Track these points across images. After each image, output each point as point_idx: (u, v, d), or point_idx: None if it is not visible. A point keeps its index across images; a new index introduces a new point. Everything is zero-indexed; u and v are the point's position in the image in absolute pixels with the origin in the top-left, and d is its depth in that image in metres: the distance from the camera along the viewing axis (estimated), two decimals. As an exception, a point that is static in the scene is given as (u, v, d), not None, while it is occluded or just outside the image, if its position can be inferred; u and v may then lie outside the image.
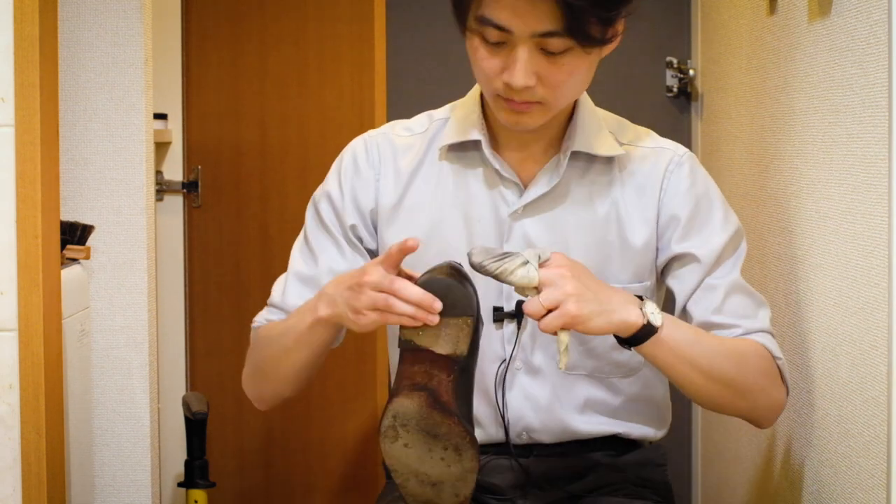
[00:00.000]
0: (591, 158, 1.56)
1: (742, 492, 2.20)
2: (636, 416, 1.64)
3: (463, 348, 1.37)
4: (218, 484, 2.46)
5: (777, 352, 1.56)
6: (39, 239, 1.41)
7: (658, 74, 2.65)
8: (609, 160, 1.57)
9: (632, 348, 1.44)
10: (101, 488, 2.06)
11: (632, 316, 1.40)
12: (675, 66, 2.62)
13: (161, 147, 2.73)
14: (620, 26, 1.44)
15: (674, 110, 2.66)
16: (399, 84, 2.76)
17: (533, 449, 1.62)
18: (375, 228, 1.61)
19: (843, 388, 1.58)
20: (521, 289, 1.37)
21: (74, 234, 1.94)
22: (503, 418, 1.59)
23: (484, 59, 1.43)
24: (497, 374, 1.57)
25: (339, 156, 1.64)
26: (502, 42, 1.41)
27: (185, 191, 2.81)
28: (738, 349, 1.52)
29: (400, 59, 2.75)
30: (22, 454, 1.42)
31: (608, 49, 1.49)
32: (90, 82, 2.01)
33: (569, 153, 1.54)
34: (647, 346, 1.43)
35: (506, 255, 1.36)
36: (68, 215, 1.98)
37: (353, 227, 1.60)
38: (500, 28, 1.39)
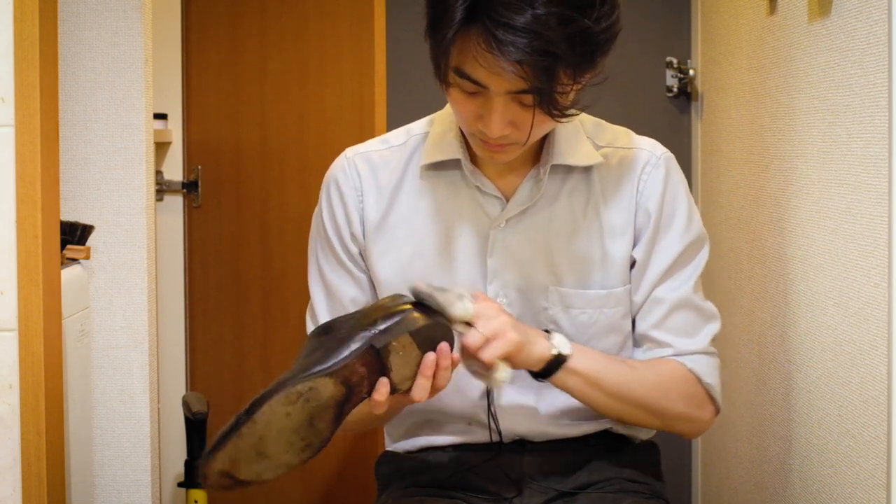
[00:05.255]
0: (570, 168, 1.57)
1: (742, 492, 2.20)
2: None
3: (398, 384, 1.40)
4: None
5: (707, 376, 1.58)
6: (39, 239, 1.41)
7: (658, 74, 2.65)
8: (590, 168, 1.58)
9: (543, 380, 1.49)
10: (101, 488, 2.06)
11: (542, 348, 1.47)
12: (675, 66, 2.62)
13: (161, 147, 2.73)
14: (581, 88, 1.45)
15: (674, 110, 2.66)
16: (399, 84, 2.76)
17: (526, 445, 1.63)
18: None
19: (843, 388, 1.58)
20: (453, 322, 1.41)
21: (74, 234, 1.94)
22: (491, 423, 1.60)
23: (460, 104, 1.45)
24: (484, 387, 1.59)
25: (324, 185, 1.65)
26: (478, 92, 1.42)
27: (185, 191, 2.81)
28: (654, 374, 1.57)
29: (400, 59, 2.76)
30: (22, 454, 1.42)
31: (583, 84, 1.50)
32: (90, 82, 2.01)
33: (549, 167, 1.56)
34: (559, 376, 1.49)
35: (443, 289, 1.40)
36: (68, 215, 1.98)
37: (359, 254, 1.64)
38: (476, 83, 1.40)
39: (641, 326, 1.60)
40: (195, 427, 2.36)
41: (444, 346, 1.41)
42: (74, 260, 1.95)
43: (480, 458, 1.62)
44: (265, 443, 1.35)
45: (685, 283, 1.60)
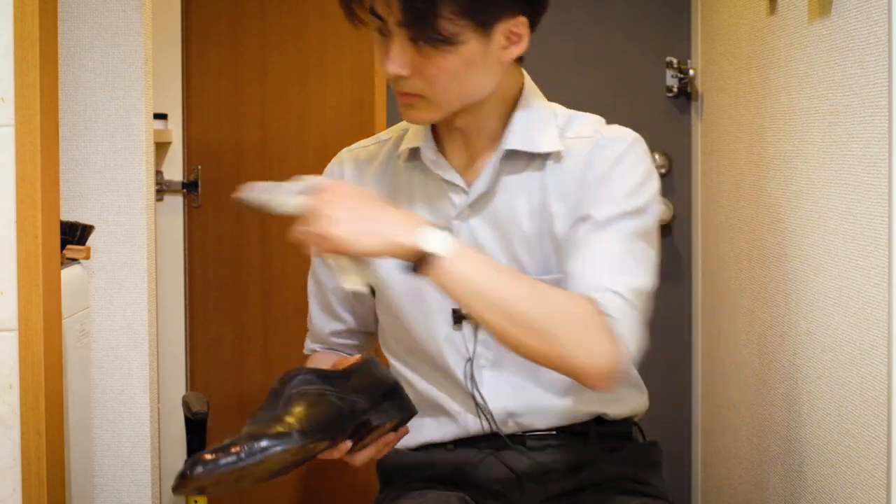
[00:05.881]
0: (531, 154, 1.58)
1: (742, 492, 2.20)
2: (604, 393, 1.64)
3: (356, 447, 1.52)
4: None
5: (613, 310, 1.46)
6: (39, 239, 1.41)
7: (658, 74, 2.65)
8: (549, 155, 1.58)
9: (416, 274, 1.41)
10: (101, 488, 2.06)
11: (403, 238, 1.38)
12: (675, 66, 2.62)
13: (161, 147, 2.73)
14: (464, 32, 1.47)
15: (674, 110, 2.66)
16: (399, 84, 2.75)
17: (525, 440, 1.64)
18: None
19: (843, 388, 1.57)
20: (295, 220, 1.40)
21: (74, 234, 1.94)
22: (478, 407, 1.62)
23: (376, 51, 1.54)
24: (465, 371, 1.61)
25: None
26: (384, 32, 1.50)
27: (185, 191, 2.81)
28: (550, 294, 1.46)
29: (400, 59, 2.75)
30: (22, 454, 1.42)
31: (506, 54, 1.53)
32: (90, 82, 2.01)
33: (502, 152, 1.57)
34: (434, 275, 1.39)
35: (277, 185, 1.40)
36: (68, 215, 1.98)
37: None
38: (378, 17, 1.49)
39: (568, 265, 1.53)
40: (195, 427, 2.36)
41: (403, 429, 1.56)
42: (74, 260, 1.95)
43: (480, 455, 1.63)
44: (248, 476, 1.41)
45: (616, 233, 1.52)
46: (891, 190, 1.38)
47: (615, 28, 2.66)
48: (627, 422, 1.71)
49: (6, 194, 1.40)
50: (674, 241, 2.67)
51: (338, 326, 1.78)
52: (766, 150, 1.99)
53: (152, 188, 2.12)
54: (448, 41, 1.46)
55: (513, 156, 1.58)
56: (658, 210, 1.59)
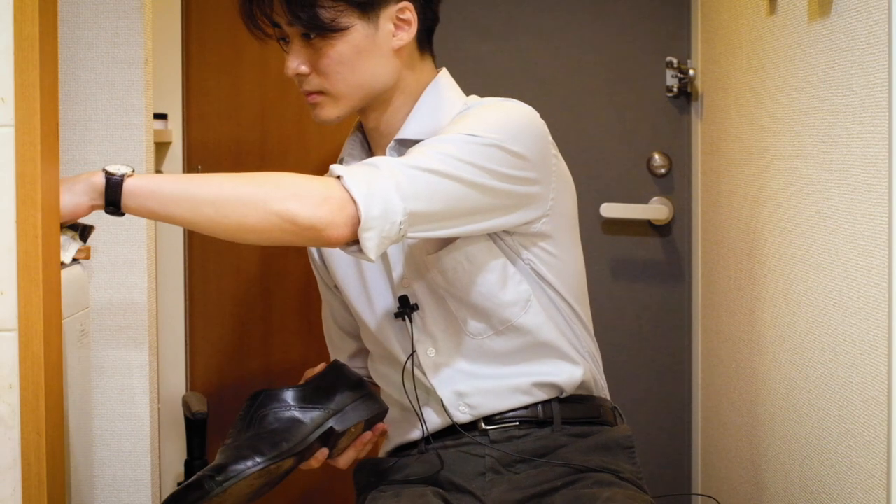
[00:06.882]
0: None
1: (742, 492, 2.20)
2: (547, 357, 1.69)
3: (334, 454, 1.63)
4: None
5: (340, 170, 1.42)
6: (39, 239, 1.41)
7: (658, 74, 2.65)
8: None
9: (120, 212, 1.42)
10: (101, 488, 2.06)
11: (91, 180, 1.41)
12: (675, 66, 2.62)
13: (161, 147, 2.73)
14: (345, 16, 1.55)
15: (674, 110, 2.65)
16: (399, 84, 2.75)
17: (489, 434, 1.66)
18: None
19: (843, 388, 1.57)
20: None
21: (74, 234, 1.94)
22: (428, 393, 1.68)
23: (285, 61, 1.61)
24: (411, 360, 1.67)
25: None
26: (285, 39, 1.60)
27: (185, 191, 2.81)
28: (252, 174, 1.44)
29: (400, 59, 2.75)
30: (22, 454, 1.42)
31: (395, 41, 1.59)
32: (90, 82, 2.01)
33: (392, 143, 1.63)
34: (127, 199, 1.40)
35: None
36: (68, 215, 1.98)
37: (321, 263, 1.83)
38: (276, 25, 1.58)
39: None
40: (195, 427, 2.36)
41: (378, 426, 1.64)
42: (75, 260, 1.95)
43: (446, 451, 1.68)
44: (219, 502, 1.48)
45: (443, 143, 1.51)
46: (891, 190, 1.38)
47: (615, 28, 2.65)
48: (595, 405, 1.72)
49: (6, 194, 1.39)
50: (674, 241, 2.67)
51: (346, 352, 1.87)
52: (766, 150, 1.99)
53: (152, 188, 2.11)
54: (332, 27, 1.53)
55: (411, 144, 1.61)
56: (527, 144, 1.56)
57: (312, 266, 1.89)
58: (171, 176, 1.49)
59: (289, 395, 1.56)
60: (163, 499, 1.42)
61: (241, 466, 1.45)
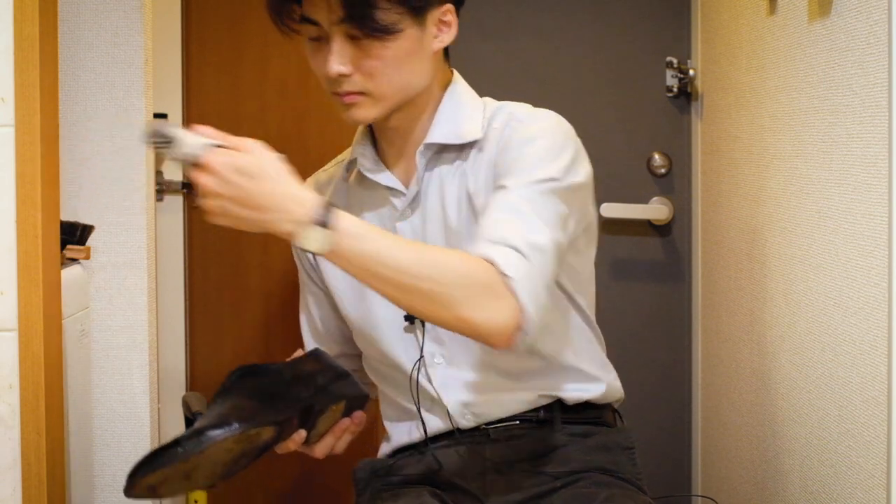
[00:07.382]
0: (460, 146, 1.61)
1: (742, 492, 2.20)
2: (563, 378, 1.67)
3: (312, 438, 1.58)
4: (217, 483, 2.45)
5: (508, 268, 1.42)
6: (39, 239, 1.41)
7: (658, 74, 2.65)
8: (472, 144, 1.61)
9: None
10: (101, 488, 2.06)
11: (283, 230, 1.41)
12: (675, 66, 2.62)
13: (161, 147, 2.73)
14: (401, 19, 1.50)
15: (674, 110, 2.65)
16: (399, 84, 2.75)
17: (489, 433, 1.65)
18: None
19: (843, 388, 1.58)
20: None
21: (74, 234, 1.94)
22: (433, 402, 1.64)
23: (311, 59, 1.56)
24: (417, 369, 1.64)
25: None
26: (321, 37, 1.52)
27: (185, 191, 2.81)
28: (441, 259, 1.43)
29: (400, 59, 2.75)
30: (22, 454, 1.42)
31: (437, 42, 1.57)
32: (90, 82, 2.01)
33: (421, 147, 1.60)
34: (327, 256, 1.39)
35: (181, 133, 1.35)
36: (68, 215, 1.98)
37: (312, 268, 1.80)
38: (312, 22, 1.51)
39: (481, 225, 1.52)
40: (195, 427, 2.36)
41: (358, 414, 1.60)
42: (74, 260, 1.95)
43: (446, 452, 1.67)
44: (197, 470, 1.43)
45: (522, 195, 1.50)
46: (891, 190, 1.38)
47: (615, 28, 2.65)
48: (596, 407, 1.71)
49: (6, 194, 1.40)
50: (674, 241, 2.67)
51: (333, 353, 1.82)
52: (766, 150, 1.99)
53: (152, 188, 2.12)
54: (388, 30, 1.49)
55: (443, 149, 1.61)
56: (583, 171, 1.57)
57: (298, 264, 1.84)
58: (368, 244, 1.39)
59: (271, 369, 1.56)
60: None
61: (218, 430, 1.43)
